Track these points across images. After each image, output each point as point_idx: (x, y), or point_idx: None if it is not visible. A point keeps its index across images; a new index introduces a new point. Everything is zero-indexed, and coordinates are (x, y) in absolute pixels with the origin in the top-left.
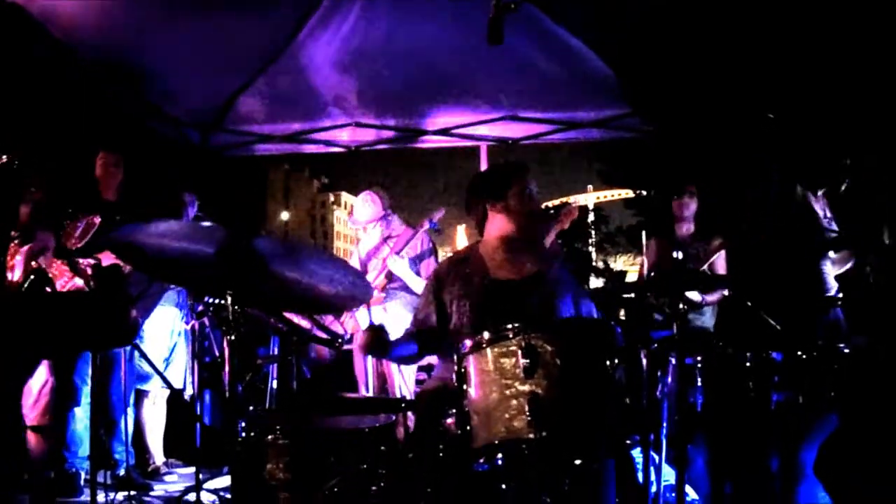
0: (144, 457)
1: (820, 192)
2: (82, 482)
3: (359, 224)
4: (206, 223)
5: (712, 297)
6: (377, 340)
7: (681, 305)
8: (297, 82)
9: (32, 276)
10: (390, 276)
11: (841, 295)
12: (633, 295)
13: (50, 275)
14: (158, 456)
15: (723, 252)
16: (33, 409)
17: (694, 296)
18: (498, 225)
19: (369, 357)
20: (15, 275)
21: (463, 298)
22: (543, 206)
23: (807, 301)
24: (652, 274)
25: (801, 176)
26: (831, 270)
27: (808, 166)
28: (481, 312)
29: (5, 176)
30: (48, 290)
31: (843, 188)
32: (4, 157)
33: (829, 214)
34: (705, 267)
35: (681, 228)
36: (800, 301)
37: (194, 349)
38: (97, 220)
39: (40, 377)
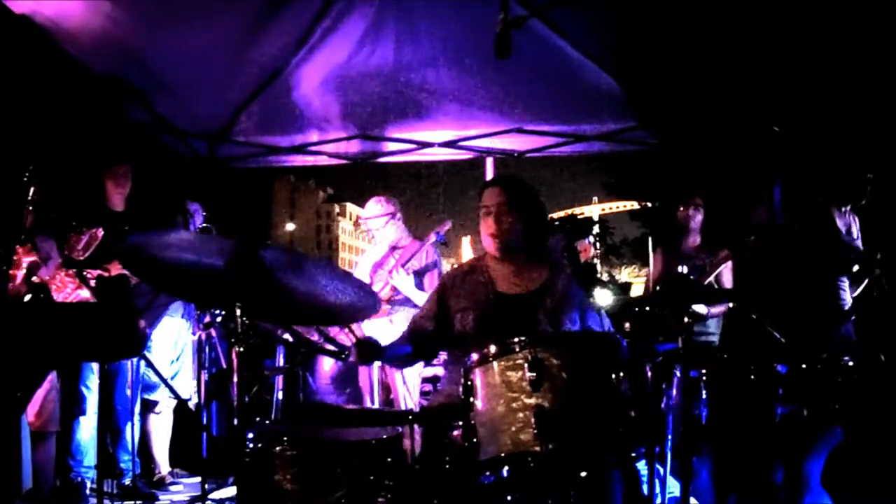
0: (150, 466)
1: (846, 208)
2: (88, 491)
3: (368, 221)
4: (213, 235)
5: (717, 310)
6: (367, 349)
7: (686, 318)
8: (304, 95)
9: (33, 294)
10: (396, 288)
11: (851, 310)
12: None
13: (53, 286)
14: (164, 466)
15: (729, 264)
16: (38, 418)
17: (700, 308)
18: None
19: (374, 369)
20: (15, 284)
21: (467, 310)
22: (548, 217)
23: (819, 314)
24: (657, 287)
25: (823, 190)
26: (848, 287)
27: (831, 181)
28: (485, 325)
29: (14, 188)
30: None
31: (864, 201)
32: (18, 168)
33: (854, 231)
34: (711, 279)
35: (687, 240)
36: (812, 314)
37: (201, 360)
38: (100, 232)
39: (44, 384)
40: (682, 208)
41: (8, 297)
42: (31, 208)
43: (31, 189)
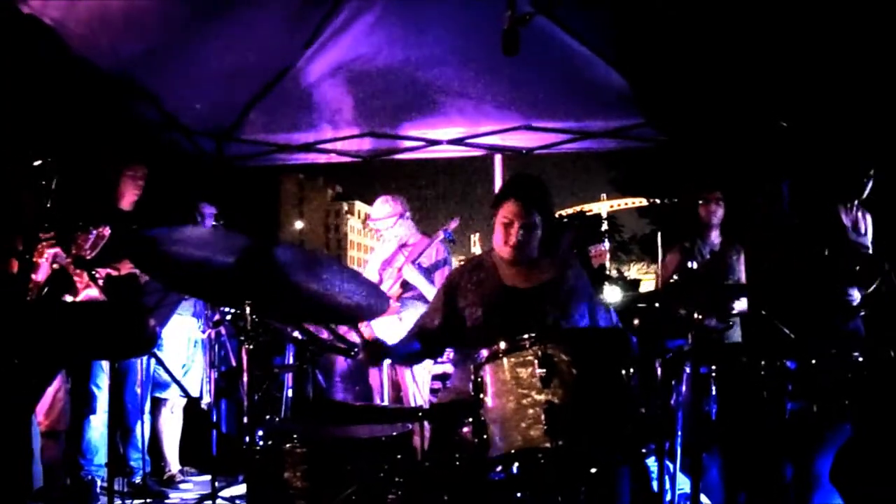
0: (160, 464)
1: (852, 203)
2: (98, 489)
3: (377, 222)
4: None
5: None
6: (375, 352)
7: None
8: (310, 93)
9: (53, 279)
10: (405, 286)
11: (860, 306)
12: (646, 304)
13: None
14: (174, 464)
15: (742, 260)
16: (47, 416)
17: (742, 304)
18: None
19: (384, 367)
20: (40, 275)
21: (475, 305)
22: (557, 214)
23: (828, 310)
24: (673, 282)
25: (827, 187)
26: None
27: (833, 177)
28: (493, 320)
29: (38, 178)
30: (69, 294)
31: (863, 196)
32: (39, 160)
33: (863, 227)
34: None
35: (709, 236)
36: (820, 310)
37: (211, 358)
38: (107, 231)
39: (54, 383)
40: (702, 204)
41: (32, 290)
42: (51, 199)
43: (54, 179)
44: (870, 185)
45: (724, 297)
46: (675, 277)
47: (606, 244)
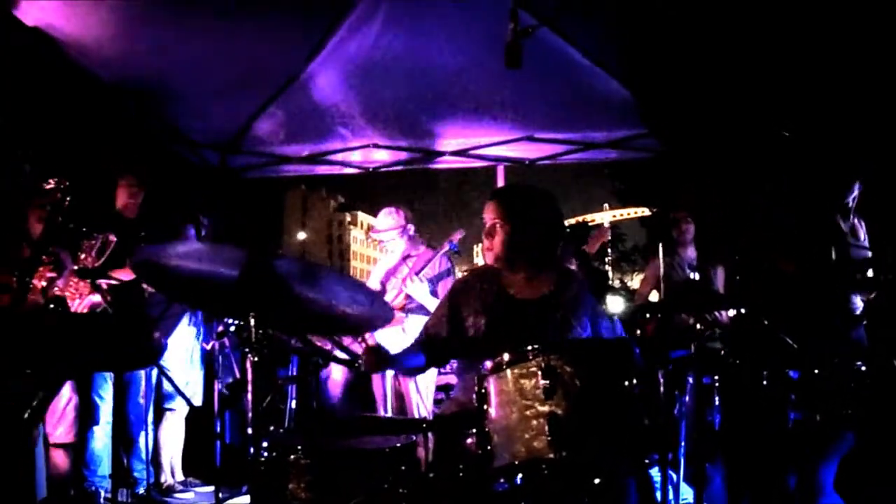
0: (162, 475)
1: (848, 209)
2: (102, 500)
3: (379, 235)
4: (225, 245)
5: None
6: (378, 359)
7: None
8: (314, 104)
9: (52, 305)
10: (409, 297)
11: (863, 314)
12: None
13: (67, 293)
14: (178, 474)
15: (721, 273)
16: (57, 427)
17: (724, 316)
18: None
19: (387, 377)
20: (35, 295)
21: (479, 314)
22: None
23: (830, 319)
24: (659, 292)
25: (824, 194)
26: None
27: (829, 184)
28: (497, 329)
29: (50, 198)
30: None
31: (849, 201)
32: (52, 181)
33: (861, 234)
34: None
35: (685, 251)
36: (823, 319)
37: (215, 369)
38: (113, 238)
39: (65, 395)
40: (673, 223)
41: (26, 308)
42: (60, 219)
43: (67, 201)
44: (855, 190)
45: (715, 306)
46: (656, 291)
47: (607, 223)
